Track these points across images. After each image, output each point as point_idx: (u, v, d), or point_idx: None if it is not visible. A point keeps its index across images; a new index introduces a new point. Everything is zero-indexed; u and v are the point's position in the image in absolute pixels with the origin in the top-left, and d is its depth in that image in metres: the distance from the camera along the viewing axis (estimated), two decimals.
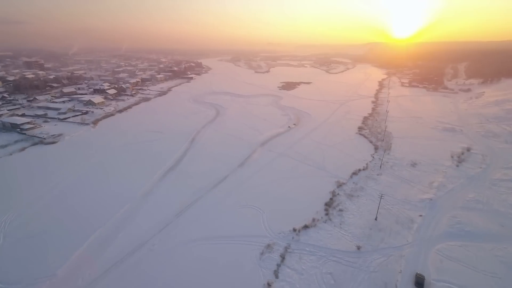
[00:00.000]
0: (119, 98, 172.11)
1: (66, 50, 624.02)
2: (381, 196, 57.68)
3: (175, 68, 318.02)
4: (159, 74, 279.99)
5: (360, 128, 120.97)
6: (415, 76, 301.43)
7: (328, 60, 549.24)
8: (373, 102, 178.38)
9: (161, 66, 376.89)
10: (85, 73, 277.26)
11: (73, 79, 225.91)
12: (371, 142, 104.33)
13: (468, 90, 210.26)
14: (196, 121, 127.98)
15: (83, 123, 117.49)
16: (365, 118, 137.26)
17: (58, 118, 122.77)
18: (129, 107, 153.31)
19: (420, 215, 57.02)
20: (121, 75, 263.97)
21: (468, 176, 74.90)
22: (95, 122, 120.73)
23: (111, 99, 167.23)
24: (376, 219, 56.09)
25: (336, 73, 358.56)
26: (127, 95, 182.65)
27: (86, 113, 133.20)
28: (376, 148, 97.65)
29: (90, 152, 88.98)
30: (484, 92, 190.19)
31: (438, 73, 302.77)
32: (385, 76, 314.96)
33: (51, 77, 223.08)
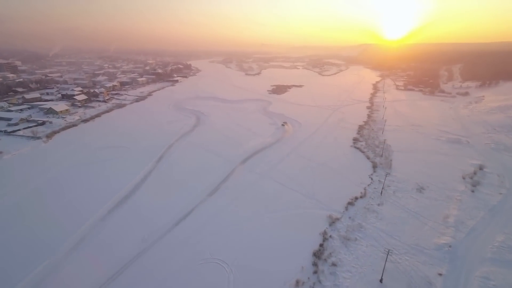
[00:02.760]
0: (89, 105, 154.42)
1: (53, 51, 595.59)
2: (388, 252, 43.17)
3: (160, 71, 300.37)
4: (141, 77, 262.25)
5: (355, 140, 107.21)
6: (409, 78, 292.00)
7: (321, 62, 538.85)
8: (368, 107, 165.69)
9: (147, 68, 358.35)
10: (60, 76, 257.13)
11: (43, 83, 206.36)
12: (368, 158, 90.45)
13: (466, 93, 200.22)
14: (170, 133, 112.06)
15: (34, 137, 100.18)
16: (361, 127, 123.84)
17: (5, 131, 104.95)
18: (98, 115, 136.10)
19: (440, 274, 42.83)
20: (99, 78, 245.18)
21: (488, 206, 61.46)
22: (49, 135, 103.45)
23: (79, 106, 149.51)
24: (381, 281, 41.66)
25: (329, 75, 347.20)
26: (99, 101, 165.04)
27: (43, 123, 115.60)
28: (374, 166, 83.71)
29: (26, 178, 72.16)
30: (483, 96, 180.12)
31: (432, 75, 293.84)
32: (379, 79, 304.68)
33: (17, 80, 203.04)
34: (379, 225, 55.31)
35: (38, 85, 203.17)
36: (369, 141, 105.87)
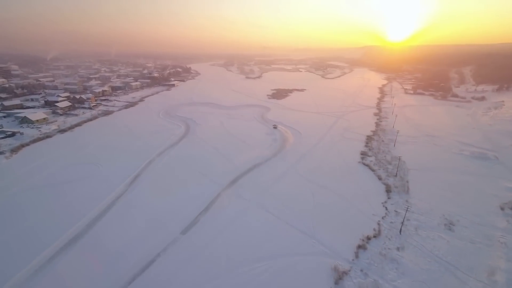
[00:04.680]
0: (72, 112, 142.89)
1: (51, 55, 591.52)
2: None
3: (156, 74, 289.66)
4: (136, 81, 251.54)
5: (363, 154, 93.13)
6: (417, 81, 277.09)
7: (324, 64, 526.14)
8: (375, 114, 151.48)
9: (144, 71, 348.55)
10: (52, 81, 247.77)
11: (30, 88, 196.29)
12: (379, 178, 76.26)
13: (482, 98, 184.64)
14: (154, 145, 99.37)
15: None
16: (369, 138, 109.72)
17: None
18: (79, 124, 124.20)
19: None
20: (91, 82, 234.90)
21: None
22: (15, 150, 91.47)
23: (60, 114, 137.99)
24: None
25: (332, 78, 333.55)
26: (85, 108, 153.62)
27: (13, 135, 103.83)
28: (388, 190, 69.56)
29: None
30: (503, 101, 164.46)
31: (442, 78, 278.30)
32: (385, 82, 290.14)
33: (2, 86, 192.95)
34: (401, 283, 41.27)
35: (25, 90, 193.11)
36: (379, 156, 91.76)
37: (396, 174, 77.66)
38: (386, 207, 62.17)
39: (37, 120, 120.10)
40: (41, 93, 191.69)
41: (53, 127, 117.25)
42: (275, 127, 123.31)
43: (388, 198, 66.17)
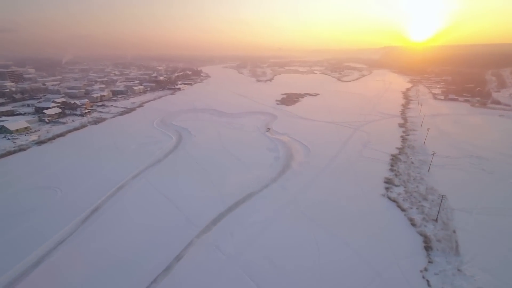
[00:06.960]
0: (60, 120, 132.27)
1: (66, 58, 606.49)
2: None
3: (161, 78, 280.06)
4: (140, 84, 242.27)
5: (388, 183, 72.40)
6: (447, 85, 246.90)
7: (341, 66, 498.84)
8: (401, 125, 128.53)
9: (154, 74, 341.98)
10: (58, 84, 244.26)
11: (30, 93, 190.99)
12: (413, 224, 55.59)
13: None
14: (133, 163, 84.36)
15: None
16: (394, 158, 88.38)
17: None
18: (62, 134, 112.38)
19: None
20: (95, 86, 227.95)
21: None
22: None
23: (47, 122, 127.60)
24: None
25: (349, 81, 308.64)
26: (76, 115, 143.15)
27: None
28: (427, 246, 48.93)
29: None
30: None
31: (477, 81, 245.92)
32: (409, 85, 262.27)
33: (4, 91, 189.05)
34: None
35: (26, 95, 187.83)
36: (409, 186, 70.66)
37: (437, 218, 56.59)
38: (427, 280, 41.88)
39: (17, 130, 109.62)
40: (40, 98, 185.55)
41: (32, 137, 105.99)
42: (268, 130, 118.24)
43: (429, 261, 45.65)
